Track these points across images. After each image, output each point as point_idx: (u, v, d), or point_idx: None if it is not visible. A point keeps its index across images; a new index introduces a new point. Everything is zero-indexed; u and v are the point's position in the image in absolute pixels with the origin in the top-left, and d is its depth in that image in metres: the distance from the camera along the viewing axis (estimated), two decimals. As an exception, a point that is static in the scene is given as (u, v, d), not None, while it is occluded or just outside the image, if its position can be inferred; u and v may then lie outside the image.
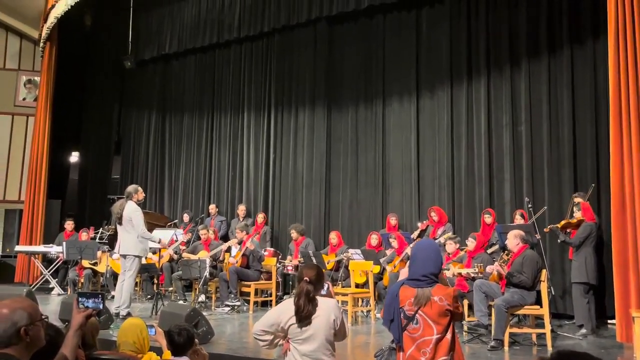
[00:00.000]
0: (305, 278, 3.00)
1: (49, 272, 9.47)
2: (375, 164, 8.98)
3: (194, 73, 11.30)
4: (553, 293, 6.25)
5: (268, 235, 9.38)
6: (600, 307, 6.46)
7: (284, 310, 3.01)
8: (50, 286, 9.38)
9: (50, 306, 7.61)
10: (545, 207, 6.96)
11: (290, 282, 8.42)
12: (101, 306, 2.32)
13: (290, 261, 8.35)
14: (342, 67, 9.54)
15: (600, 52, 7.01)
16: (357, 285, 7.44)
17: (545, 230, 6.43)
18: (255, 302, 7.71)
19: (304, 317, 2.92)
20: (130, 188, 6.91)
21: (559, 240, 6.33)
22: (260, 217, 9.37)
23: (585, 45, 7.35)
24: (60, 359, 2.19)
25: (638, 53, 5.65)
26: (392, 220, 8.26)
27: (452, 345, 2.83)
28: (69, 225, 9.86)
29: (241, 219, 9.55)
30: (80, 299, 2.30)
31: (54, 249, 9.50)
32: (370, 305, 7.20)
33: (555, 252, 7.12)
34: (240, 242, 7.90)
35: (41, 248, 9.83)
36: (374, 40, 9.21)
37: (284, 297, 8.21)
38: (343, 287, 7.42)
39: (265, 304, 8.01)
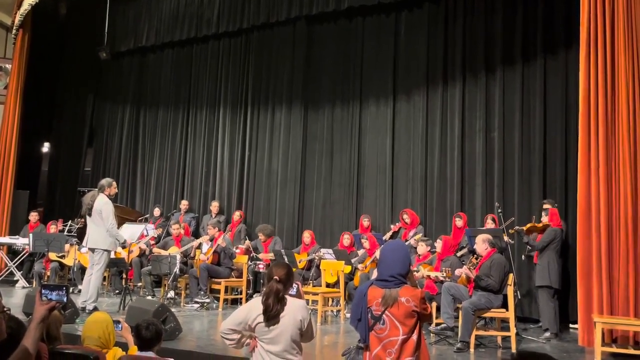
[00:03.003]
0: (275, 277, 2.98)
1: (14, 264, 9.26)
2: (350, 165, 9.03)
3: (171, 67, 11.18)
4: (519, 297, 6.37)
5: (243, 233, 9.32)
6: (563, 311, 6.61)
7: (252, 309, 3.00)
8: (15, 278, 9.18)
9: (14, 299, 7.44)
10: (513, 219, 7.06)
11: (261, 281, 8.39)
12: (65, 299, 2.27)
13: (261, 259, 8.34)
14: (320, 67, 9.56)
15: (572, 62, 7.16)
16: (327, 285, 7.47)
17: (510, 231, 6.56)
18: (225, 300, 7.68)
19: (272, 316, 2.91)
20: (104, 181, 6.82)
21: (524, 242, 6.47)
22: (236, 215, 9.34)
23: (557, 55, 7.52)
24: (21, 351, 2.14)
25: (608, 64, 5.80)
26: (365, 221, 8.31)
27: (418, 346, 2.86)
28: (33, 217, 9.66)
29: (214, 216, 9.49)
30: (43, 291, 2.25)
31: (20, 241, 9.29)
32: (340, 305, 7.23)
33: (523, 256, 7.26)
34: (211, 239, 7.86)
35: (6, 239, 9.60)
36: (352, 42, 9.26)
37: (254, 295, 8.18)
38: (314, 286, 7.44)
39: (235, 302, 7.98)
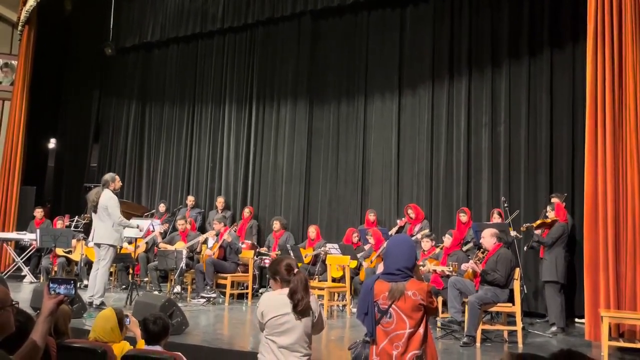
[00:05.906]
0: (294, 269, 3.03)
1: (21, 259, 9.32)
2: (356, 160, 9.02)
3: (176, 63, 11.19)
4: (525, 291, 6.35)
5: (254, 229, 9.33)
6: (569, 306, 6.59)
7: (260, 307, 3.03)
8: (23, 274, 9.24)
9: (22, 294, 7.47)
10: (518, 211, 7.05)
11: (267, 276, 8.41)
12: (73, 293, 2.27)
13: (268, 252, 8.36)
14: (325, 62, 9.53)
15: (579, 57, 7.11)
16: (333, 280, 7.47)
17: (521, 228, 6.53)
18: (231, 295, 7.70)
19: (304, 309, 2.93)
20: (107, 176, 6.83)
21: (533, 240, 6.44)
22: (246, 212, 9.35)
23: (564, 49, 7.46)
24: (29, 345, 2.15)
25: (616, 59, 5.75)
26: (371, 216, 8.30)
27: (425, 340, 2.86)
28: (39, 213, 9.71)
29: (220, 211, 9.51)
30: (51, 285, 2.25)
31: (27, 236, 9.35)
32: (346, 300, 7.24)
33: (529, 251, 7.23)
34: (217, 234, 7.88)
35: (14, 235, 9.67)
36: (357, 37, 9.23)
37: (260, 290, 8.21)
38: (320, 281, 7.45)
39: (242, 297, 8.00)
